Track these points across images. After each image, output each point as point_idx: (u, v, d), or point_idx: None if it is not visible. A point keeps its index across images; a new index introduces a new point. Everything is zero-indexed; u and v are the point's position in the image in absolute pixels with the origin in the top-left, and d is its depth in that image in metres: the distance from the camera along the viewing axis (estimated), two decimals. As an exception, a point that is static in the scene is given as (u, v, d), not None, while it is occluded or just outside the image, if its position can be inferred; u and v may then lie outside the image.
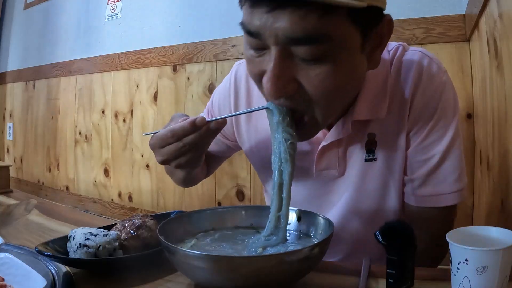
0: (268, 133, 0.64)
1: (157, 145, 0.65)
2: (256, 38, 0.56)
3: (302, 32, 0.52)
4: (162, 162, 0.67)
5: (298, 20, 0.51)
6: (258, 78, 0.60)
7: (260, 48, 0.57)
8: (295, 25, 0.52)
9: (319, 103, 0.58)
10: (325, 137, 0.72)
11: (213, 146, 0.93)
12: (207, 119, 0.63)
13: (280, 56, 0.55)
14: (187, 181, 0.94)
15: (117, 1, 2.39)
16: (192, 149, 0.64)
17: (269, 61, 0.56)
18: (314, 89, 0.57)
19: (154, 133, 0.66)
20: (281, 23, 0.52)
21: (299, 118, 0.61)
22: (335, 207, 0.77)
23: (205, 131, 0.63)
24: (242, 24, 0.57)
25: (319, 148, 0.73)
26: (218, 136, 0.90)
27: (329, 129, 0.72)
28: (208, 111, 0.91)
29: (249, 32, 0.56)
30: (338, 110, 0.68)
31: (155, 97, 2.19)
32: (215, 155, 0.95)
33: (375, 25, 0.58)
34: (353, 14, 0.53)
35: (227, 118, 0.87)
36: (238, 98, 0.83)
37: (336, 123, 0.71)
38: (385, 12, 0.60)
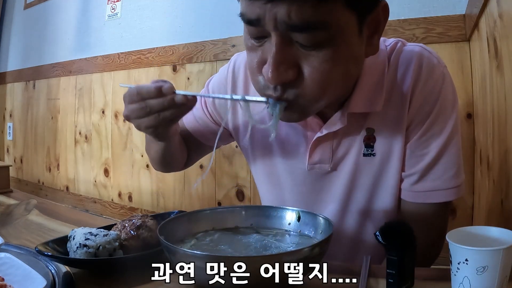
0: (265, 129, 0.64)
1: (126, 99, 0.68)
2: (256, 26, 0.57)
3: (300, 20, 0.53)
4: (126, 118, 0.69)
5: (296, 8, 0.52)
6: (258, 67, 0.60)
7: (261, 36, 0.58)
8: (293, 14, 0.52)
9: (316, 88, 0.58)
10: (320, 129, 0.72)
11: (196, 126, 0.90)
12: (177, 92, 0.63)
13: (281, 42, 0.56)
14: (164, 159, 0.88)
15: (117, 1, 2.39)
16: (154, 114, 0.65)
17: (270, 48, 0.56)
18: (314, 73, 0.57)
19: (130, 86, 0.67)
20: (279, 10, 0.53)
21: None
22: (328, 203, 0.77)
23: (169, 101, 0.63)
24: (242, 14, 0.58)
25: (313, 140, 0.73)
26: (209, 121, 0.88)
27: (324, 121, 0.72)
28: (201, 99, 0.90)
29: (249, 21, 0.57)
30: (333, 98, 0.65)
31: (155, 97, 2.18)
32: (201, 143, 0.91)
33: (370, 10, 0.59)
34: (349, 1, 0.54)
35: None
36: (236, 86, 0.83)
37: (332, 116, 0.71)
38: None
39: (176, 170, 0.95)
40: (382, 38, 0.69)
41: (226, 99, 0.66)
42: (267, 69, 0.57)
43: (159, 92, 0.63)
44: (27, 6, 3.04)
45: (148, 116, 0.65)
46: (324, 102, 0.62)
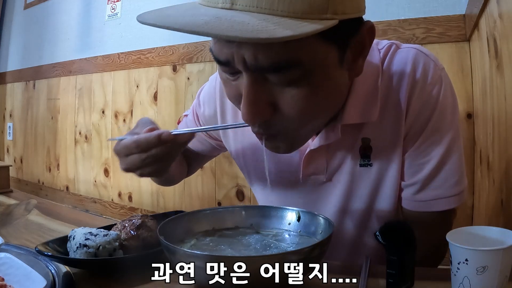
0: (254, 136, 0.63)
1: (121, 153, 0.65)
2: (227, 66, 0.54)
3: (267, 61, 0.50)
4: (125, 170, 0.66)
5: (262, 48, 0.49)
6: (236, 100, 0.58)
7: (234, 72, 0.55)
8: (259, 55, 0.49)
9: (296, 123, 0.56)
10: (313, 142, 0.69)
11: (197, 145, 0.91)
12: (172, 132, 0.62)
13: (252, 82, 0.52)
14: (163, 183, 0.95)
15: (117, 1, 2.39)
16: (157, 161, 0.64)
17: (243, 85, 0.53)
18: (291, 111, 0.55)
19: (120, 139, 0.66)
20: (245, 51, 0.50)
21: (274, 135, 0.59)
22: (325, 213, 0.75)
23: (170, 145, 0.63)
24: (211, 51, 0.55)
25: (306, 153, 0.71)
26: (203, 136, 0.89)
27: (317, 133, 0.69)
28: (194, 110, 0.89)
29: (219, 61, 0.54)
30: (319, 127, 0.65)
31: (155, 97, 2.19)
32: (199, 154, 0.93)
33: (353, 35, 0.55)
34: (324, 33, 0.48)
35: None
36: (224, 97, 0.80)
37: (325, 127, 0.68)
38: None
39: (179, 182, 0.97)
40: (375, 41, 0.65)
41: (220, 128, 0.69)
42: (242, 109, 0.54)
43: (159, 141, 0.61)
44: (27, 6, 3.04)
45: (151, 164, 0.64)
46: (310, 132, 0.62)
